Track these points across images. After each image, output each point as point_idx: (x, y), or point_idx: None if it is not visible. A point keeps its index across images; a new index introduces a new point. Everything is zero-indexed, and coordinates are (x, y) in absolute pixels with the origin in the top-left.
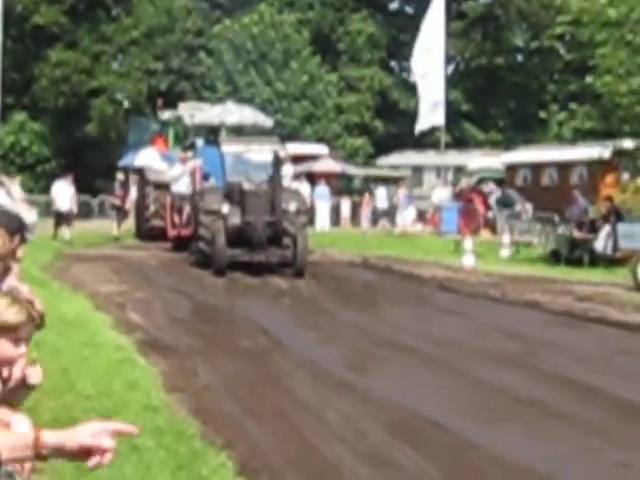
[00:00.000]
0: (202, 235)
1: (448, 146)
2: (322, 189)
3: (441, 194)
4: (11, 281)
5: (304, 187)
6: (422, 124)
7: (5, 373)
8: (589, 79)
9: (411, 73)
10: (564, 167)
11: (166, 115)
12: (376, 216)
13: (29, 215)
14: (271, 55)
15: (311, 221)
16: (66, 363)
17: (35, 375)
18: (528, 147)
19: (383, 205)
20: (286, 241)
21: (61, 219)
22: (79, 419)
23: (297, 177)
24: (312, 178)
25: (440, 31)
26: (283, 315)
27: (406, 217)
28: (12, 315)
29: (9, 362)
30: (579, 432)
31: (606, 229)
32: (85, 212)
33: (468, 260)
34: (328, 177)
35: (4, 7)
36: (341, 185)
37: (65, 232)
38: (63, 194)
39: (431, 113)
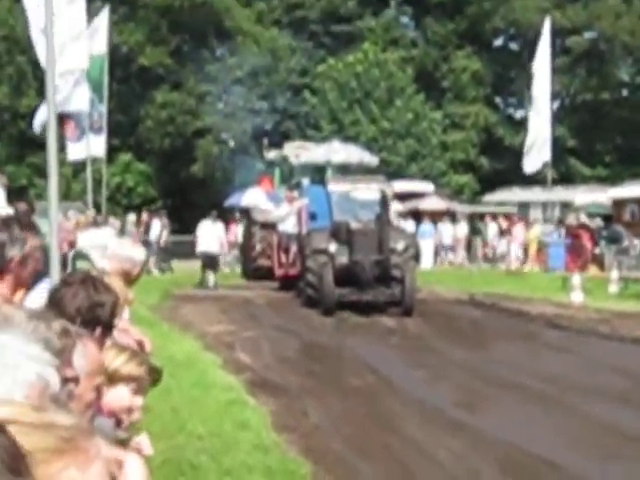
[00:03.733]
0: (310, 275)
1: (554, 182)
2: (426, 226)
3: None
4: (122, 323)
5: (409, 225)
6: (532, 163)
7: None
8: None
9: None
10: None
11: (272, 155)
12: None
13: (138, 252)
14: (375, 93)
15: (416, 259)
16: (176, 403)
17: (146, 446)
18: (635, 182)
19: (448, 241)
20: (394, 280)
21: (208, 262)
22: (190, 460)
23: (402, 215)
24: (418, 216)
25: (546, 67)
26: (391, 354)
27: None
28: (132, 368)
29: (128, 411)
30: None
31: None
32: (191, 252)
33: (577, 296)
34: (433, 215)
35: (110, 49)
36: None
37: (210, 277)
38: (208, 234)
39: (539, 150)
